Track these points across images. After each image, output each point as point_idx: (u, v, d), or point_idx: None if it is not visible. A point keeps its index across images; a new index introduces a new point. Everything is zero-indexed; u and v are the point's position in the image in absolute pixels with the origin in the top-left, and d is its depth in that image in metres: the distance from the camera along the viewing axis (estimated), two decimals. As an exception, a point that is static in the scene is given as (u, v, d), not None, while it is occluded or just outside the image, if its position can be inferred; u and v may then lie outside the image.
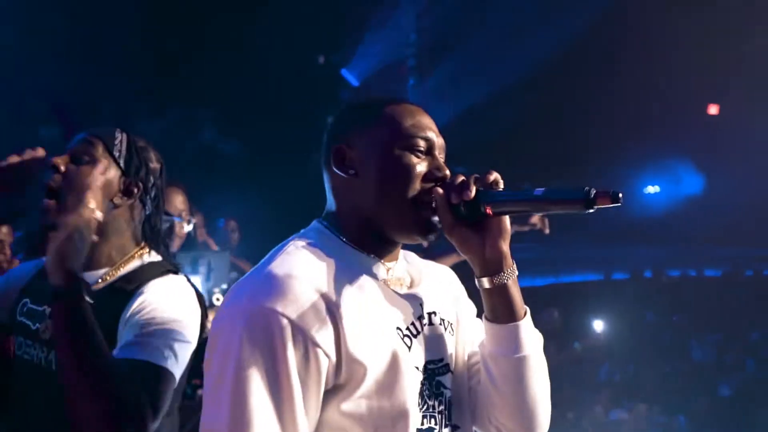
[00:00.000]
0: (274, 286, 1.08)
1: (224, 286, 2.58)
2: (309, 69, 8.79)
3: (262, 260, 1.18)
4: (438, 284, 1.31)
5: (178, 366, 1.43)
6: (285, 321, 1.05)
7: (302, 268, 1.11)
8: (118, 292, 1.50)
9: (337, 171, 1.21)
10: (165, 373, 1.40)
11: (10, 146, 1.64)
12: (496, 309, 1.19)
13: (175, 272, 1.56)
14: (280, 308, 1.06)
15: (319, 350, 1.06)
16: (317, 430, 1.10)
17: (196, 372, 2.37)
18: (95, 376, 1.28)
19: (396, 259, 1.25)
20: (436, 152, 1.23)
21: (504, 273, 1.17)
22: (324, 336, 1.07)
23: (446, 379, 1.22)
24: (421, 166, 1.19)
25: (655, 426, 4.90)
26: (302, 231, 1.24)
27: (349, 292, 1.12)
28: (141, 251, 1.57)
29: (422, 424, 1.15)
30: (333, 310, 1.08)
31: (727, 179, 11.15)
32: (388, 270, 1.22)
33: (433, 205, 1.17)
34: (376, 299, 1.15)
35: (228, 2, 8.10)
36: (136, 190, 1.57)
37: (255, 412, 1.03)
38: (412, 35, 9.24)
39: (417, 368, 1.16)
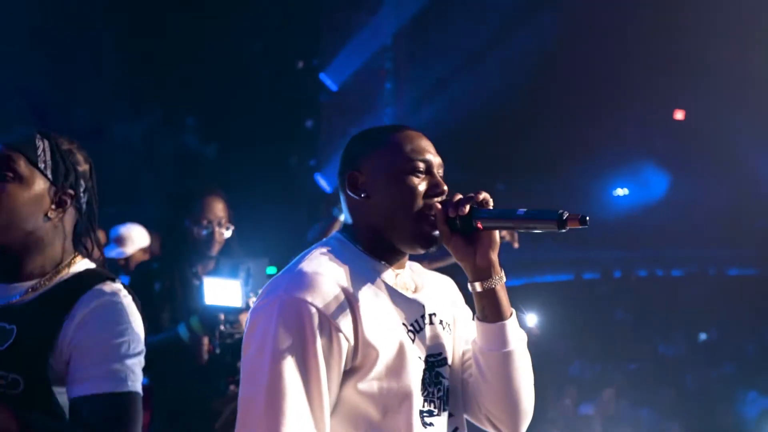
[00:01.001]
0: (304, 282, 1.28)
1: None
2: (288, 73, 8.90)
3: (293, 261, 1.38)
4: (438, 291, 1.49)
5: (138, 381, 1.43)
6: (313, 310, 1.25)
7: (326, 267, 1.32)
8: (52, 301, 1.43)
9: (351, 194, 1.41)
10: (131, 398, 1.39)
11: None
12: (485, 310, 1.37)
13: (112, 279, 1.51)
14: (309, 299, 1.26)
15: (341, 335, 1.26)
16: (336, 407, 1.28)
17: (229, 369, 2.51)
18: None
19: (403, 267, 1.45)
20: (435, 170, 1.41)
21: (493, 279, 1.36)
22: (345, 323, 1.27)
23: (444, 371, 1.40)
24: (421, 186, 1.38)
25: (622, 419, 5.13)
26: (324, 240, 1.44)
27: (364, 290, 1.32)
28: (75, 259, 1.51)
29: (423, 406, 1.34)
30: (352, 303, 1.29)
31: (693, 182, 11.52)
32: (396, 275, 1.41)
33: (433, 218, 1.36)
34: (386, 298, 1.35)
35: (208, 7, 8.15)
36: (68, 199, 1.49)
37: (288, 386, 1.22)
38: (389, 40, 9.40)
39: (420, 358, 1.34)
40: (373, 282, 1.35)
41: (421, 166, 1.38)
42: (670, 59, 10.57)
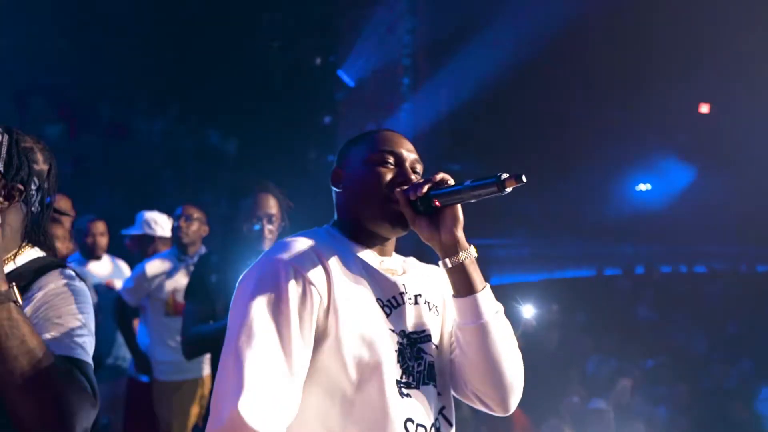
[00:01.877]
0: (283, 248, 1.40)
1: None
2: (306, 70, 8.98)
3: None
4: (427, 277, 1.56)
5: (89, 356, 1.45)
6: (289, 267, 1.35)
7: (307, 241, 1.42)
8: None
9: (333, 188, 1.55)
10: (84, 364, 1.41)
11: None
12: (457, 284, 1.43)
13: (64, 266, 1.53)
14: (285, 258, 1.37)
15: (313, 288, 1.34)
16: (312, 377, 1.34)
17: None
18: (39, 378, 1.29)
19: (389, 254, 1.53)
20: (406, 164, 1.50)
21: (460, 254, 1.42)
22: (319, 281, 1.35)
23: (427, 347, 1.45)
24: (388, 175, 1.48)
25: (637, 414, 5.10)
26: (314, 229, 1.53)
27: (341, 264, 1.40)
28: (24, 249, 1.53)
29: (402, 378, 1.38)
30: (327, 269, 1.37)
31: (718, 178, 11.32)
32: (381, 261, 1.48)
33: (397, 203, 1.45)
34: (363, 274, 1.42)
35: (229, 6, 8.27)
36: (17, 193, 1.50)
37: (261, 324, 1.30)
38: (407, 36, 9.42)
39: (393, 331, 1.40)
40: (351, 260, 1.43)
41: (390, 158, 1.48)
42: (697, 52, 10.40)
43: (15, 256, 1.51)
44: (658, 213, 11.59)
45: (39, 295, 1.44)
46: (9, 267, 1.48)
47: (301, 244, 1.40)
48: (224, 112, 8.36)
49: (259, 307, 1.31)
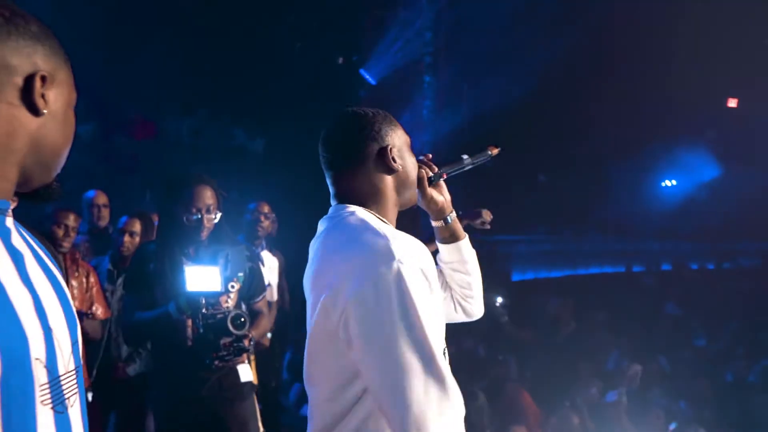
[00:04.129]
0: (401, 246, 1.43)
1: (240, 274, 2.94)
2: (329, 69, 9.14)
3: (348, 224, 1.52)
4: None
5: None
6: (417, 266, 1.42)
7: (401, 234, 1.51)
8: None
9: (388, 165, 1.64)
10: None
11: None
12: (448, 235, 1.82)
13: None
14: (409, 257, 1.41)
15: (430, 284, 1.47)
16: None
17: (212, 346, 2.73)
18: None
19: None
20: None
21: (452, 213, 1.82)
22: (432, 276, 1.49)
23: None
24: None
25: (655, 408, 5.13)
26: (351, 211, 1.55)
27: (423, 252, 1.54)
28: None
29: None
30: (424, 263, 1.48)
31: (746, 173, 11.19)
32: None
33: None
34: (428, 261, 1.55)
35: (254, 8, 8.46)
36: None
37: (427, 330, 1.38)
38: (428, 34, 9.51)
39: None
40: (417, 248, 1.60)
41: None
42: (724, 47, 10.29)
43: None
44: (683, 209, 11.51)
45: None
46: None
47: (402, 243, 1.44)
48: (251, 111, 8.54)
49: (413, 312, 1.35)
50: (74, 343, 1.05)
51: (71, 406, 1.01)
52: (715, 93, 11.46)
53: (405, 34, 9.13)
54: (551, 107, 10.33)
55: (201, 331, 2.71)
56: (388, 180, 1.58)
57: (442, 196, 1.78)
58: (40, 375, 0.95)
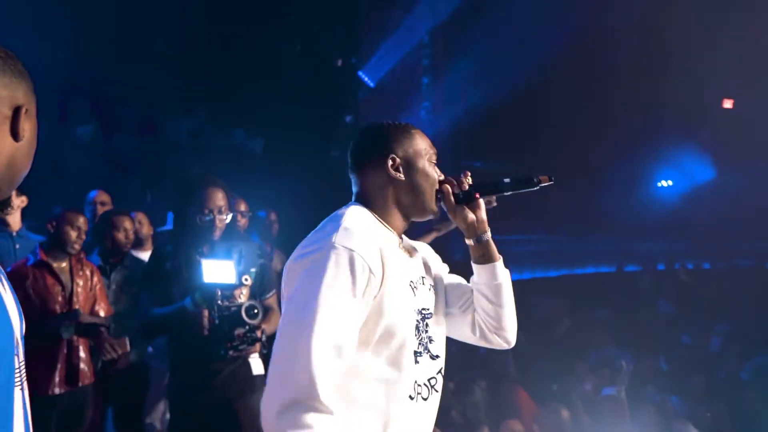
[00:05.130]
0: (349, 234, 1.61)
1: (252, 270, 3.05)
2: (328, 71, 9.23)
3: (330, 219, 1.70)
4: (424, 257, 1.87)
5: None
6: (358, 256, 1.57)
7: (365, 227, 1.67)
8: None
9: (390, 174, 1.76)
10: None
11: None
12: (481, 255, 1.82)
13: None
14: (354, 246, 1.58)
15: (374, 279, 1.58)
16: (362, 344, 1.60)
17: (227, 337, 2.85)
18: None
19: (401, 236, 1.80)
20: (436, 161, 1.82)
21: (486, 233, 1.81)
22: (378, 271, 1.60)
23: (431, 321, 1.76)
24: (435, 172, 1.82)
25: (649, 404, 5.22)
26: (347, 208, 1.74)
27: (390, 251, 1.67)
28: None
29: (417, 348, 1.69)
30: (383, 258, 1.62)
31: (741, 173, 11.27)
32: (400, 243, 1.77)
33: (440, 195, 1.79)
34: (402, 259, 1.72)
35: (254, 10, 8.54)
36: None
37: (328, 311, 1.53)
38: (426, 37, 9.60)
39: (415, 310, 1.70)
40: (392, 246, 1.70)
41: (434, 157, 1.80)
42: (720, 48, 10.36)
43: None
44: (680, 209, 11.58)
45: None
46: None
47: (364, 229, 1.63)
48: (250, 112, 8.61)
49: (332, 294, 1.52)
50: (22, 338, 1.18)
51: (25, 380, 1.17)
52: (710, 94, 11.54)
53: (403, 37, 9.22)
54: (548, 108, 10.41)
55: (217, 322, 2.82)
56: (390, 187, 1.73)
57: (473, 215, 1.79)
58: (15, 362, 1.11)
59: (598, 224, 11.12)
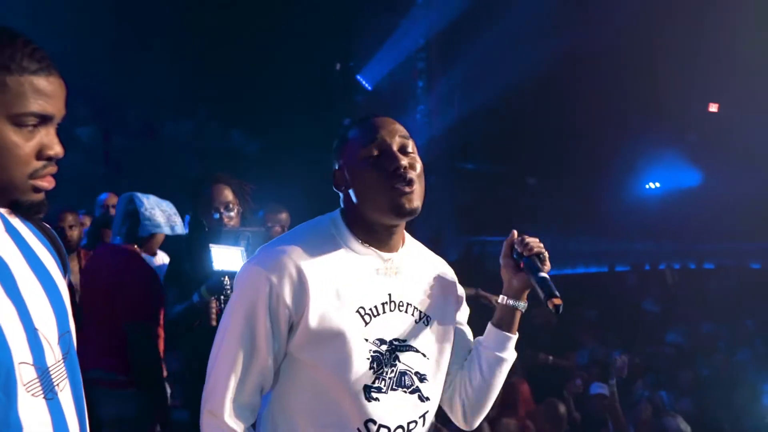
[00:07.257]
0: (269, 256, 1.45)
1: None
2: (326, 75, 9.36)
3: (290, 230, 1.60)
4: (428, 279, 1.60)
5: None
6: (267, 282, 1.41)
7: (295, 249, 1.45)
8: None
9: (336, 190, 1.59)
10: None
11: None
12: (503, 319, 1.62)
13: None
14: (267, 270, 1.42)
15: (287, 311, 1.42)
16: (288, 365, 1.47)
17: None
18: None
19: (395, 250, 1.53)
20: (394, 149, 1.49)
21: (521, 302, 1.61)
22: (294, 298, 1.41)
23: (406, 356, 1.50)
24: (382, 166, 1.48)
25: (638, 400, 5.39)
26: (324, 216, 1.56)
27: (329, 270, 1.45)
28: None
29: (373, 383, 1.46)
30: (306, 285, 1.42)
31: (727, 176, 11.49)
32: (387, 260, 1.51)
33: (397, 188, 1.46)
34: (351, 281, 1.46)
35: (253, 15, 8.64)
36: None
37: (233, 337, 1.45)
38: (422, 40, 9.75)
39: (367, 340, 1.45)
40: (345, 263, 1.47)
41: (377, 149, 1.47)
42: (706, 52, 10.56)
43: None
44: (667, 211, 11.78)
45: None
46: None
47: (289, 252, 1.42)
48: (248, 115, 8.70)
49: (237, 317, 1.43)
50: (64, 334, 1.18)
51: (61, 390, 1.15)
52: (697, 98, 11.76)
53: (400, 41, 9.37)
54: (539, 111, 10.57)
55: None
56: (347, 198, 1.52)
57: (520, 274, 1.58)
58: (27, 374, 1.09)
59: (587, 225, 11.29)
